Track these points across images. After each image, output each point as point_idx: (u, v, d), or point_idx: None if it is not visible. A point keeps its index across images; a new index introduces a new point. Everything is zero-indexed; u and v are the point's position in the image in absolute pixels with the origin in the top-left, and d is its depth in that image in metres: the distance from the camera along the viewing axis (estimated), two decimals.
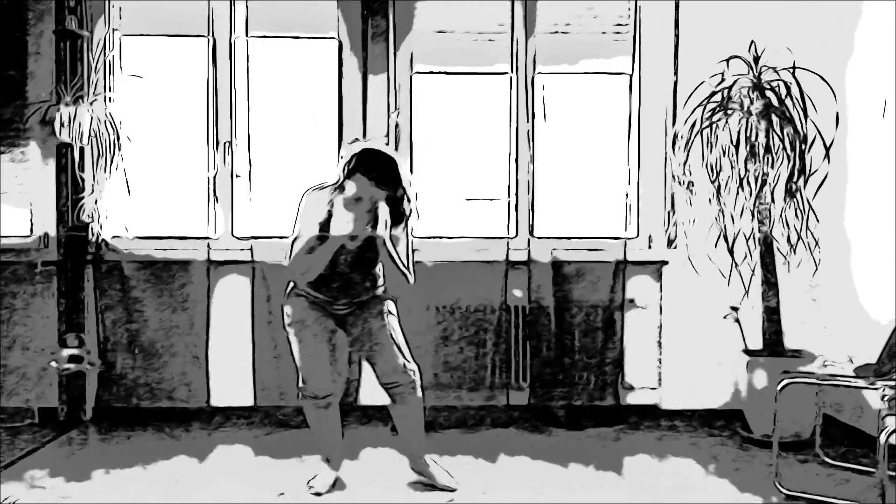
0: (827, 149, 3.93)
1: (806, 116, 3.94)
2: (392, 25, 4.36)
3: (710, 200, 4.07)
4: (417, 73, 4.45)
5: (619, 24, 4.46)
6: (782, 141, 3.94)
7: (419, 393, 3.37)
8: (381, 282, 3.35)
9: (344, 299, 3.33)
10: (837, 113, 3.91)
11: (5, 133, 4.35)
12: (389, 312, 3.37)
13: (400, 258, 3.18)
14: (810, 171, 3.97)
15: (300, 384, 3.36)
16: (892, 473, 3.15)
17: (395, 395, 3.35)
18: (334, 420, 3.41)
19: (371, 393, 4.26)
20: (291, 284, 3.36)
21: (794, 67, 3.98)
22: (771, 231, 4.06)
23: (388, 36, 4.36)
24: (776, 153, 3.95)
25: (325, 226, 3.14)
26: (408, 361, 3.34)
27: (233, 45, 4.43)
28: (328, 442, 3.44)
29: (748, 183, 3.97)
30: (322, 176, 4.44)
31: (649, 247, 4.49)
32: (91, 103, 4.20)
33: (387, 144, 4.36)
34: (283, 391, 4.35)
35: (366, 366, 4.21)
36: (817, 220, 4.00)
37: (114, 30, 4.36)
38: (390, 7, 4.36)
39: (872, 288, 3.91)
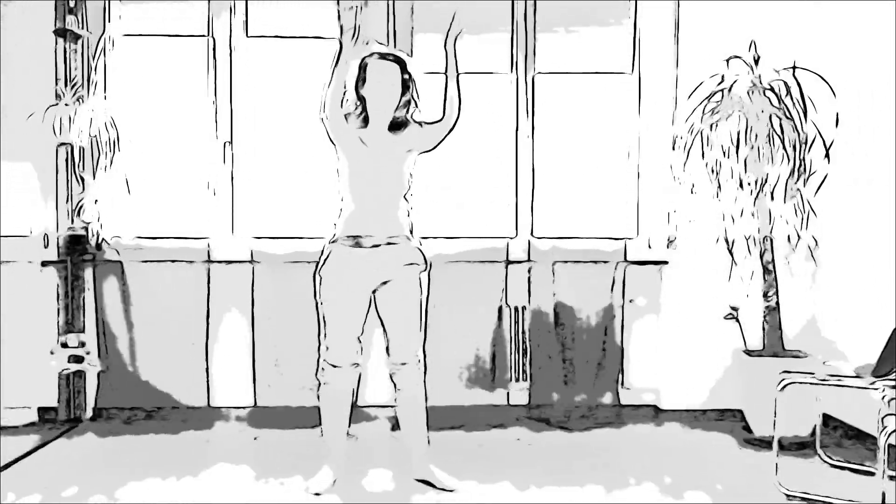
0: (827, 149, 3.93)
1: (806, 116, 3.95)
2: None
3: (710, 200, 4.08)
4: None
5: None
6: (782, 141, 3.94)
7: (423, 382, 3.37)
8: (410, 218, 3.39)
9: (375, 228, 3.30)
10: (837, 113, 3.91)
11: (5, 132, 4.34)
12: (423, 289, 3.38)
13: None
14: (810, 171, 3.97)
15: (322, 352, 3.36)
16: (893, 473, 3.15)
17: (400, 381, 3.36)
18: (345, 410, 3.39)
19: (372, 392, 4.28)
20: (326, 253, 3.32)
21: (794, 67, 3.98)
22: (771, 231, 4.06)
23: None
24: (776, 153, 3.95)
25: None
26: (421, 348, 3.36)
27: (233, 45, 4.43)
28: (334, 433, 3.41)
29: (748, 183, 3.98)
30: (322, 176, 4.48)
31: (649, 247, 4.48)
32: (91, 103, 4.20)
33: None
34: (283, 391, 4.35)
35: (364, 368, 4.23)
36: (817, 220, 4.00)
37: (114, 30, 4.37)
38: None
39: (872, 287, 3.91)
